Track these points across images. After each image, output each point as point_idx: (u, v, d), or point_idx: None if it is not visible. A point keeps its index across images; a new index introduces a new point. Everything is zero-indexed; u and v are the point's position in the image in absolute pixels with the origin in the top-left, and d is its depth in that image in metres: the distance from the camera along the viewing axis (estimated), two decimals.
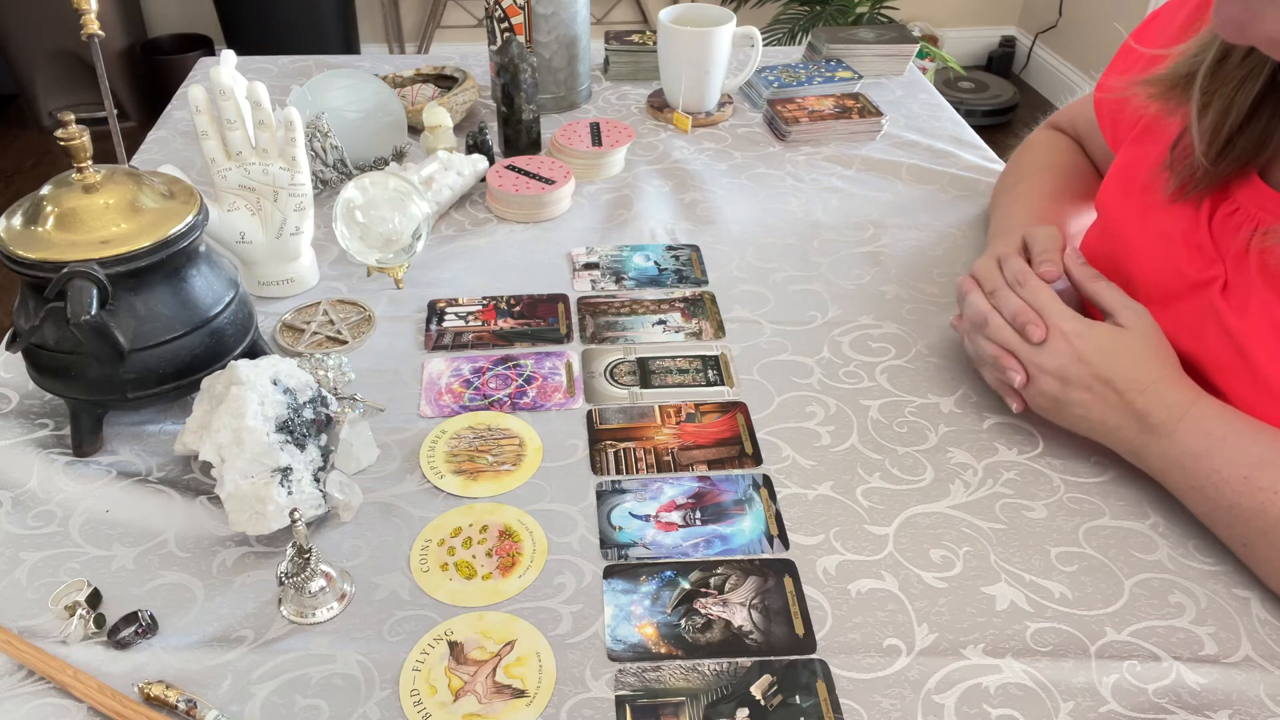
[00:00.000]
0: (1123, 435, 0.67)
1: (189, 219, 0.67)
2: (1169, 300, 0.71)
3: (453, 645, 0.58)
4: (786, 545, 0.65)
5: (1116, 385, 0.66)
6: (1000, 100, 3.10)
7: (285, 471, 0.62)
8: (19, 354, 0.73)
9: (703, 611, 0.60)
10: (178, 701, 0.53)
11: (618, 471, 0.70)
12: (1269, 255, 0.64)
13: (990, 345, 0.72)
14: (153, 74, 2.92)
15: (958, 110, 1.29)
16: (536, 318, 0.86)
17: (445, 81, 1.24)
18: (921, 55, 2.77)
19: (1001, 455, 0.72)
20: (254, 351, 0.74)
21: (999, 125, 3.08)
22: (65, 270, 0.61)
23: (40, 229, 0.64)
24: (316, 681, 0.56)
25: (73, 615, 0.57)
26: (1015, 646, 0.58)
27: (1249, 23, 0.54)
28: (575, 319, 0.86)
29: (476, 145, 1.08)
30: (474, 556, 0.64)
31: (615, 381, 0.79)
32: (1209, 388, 0.66)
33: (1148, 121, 0.75)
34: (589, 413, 0.76)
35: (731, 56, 1.21)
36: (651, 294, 0.90)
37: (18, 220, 0.65)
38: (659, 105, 1.24)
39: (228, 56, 0.84)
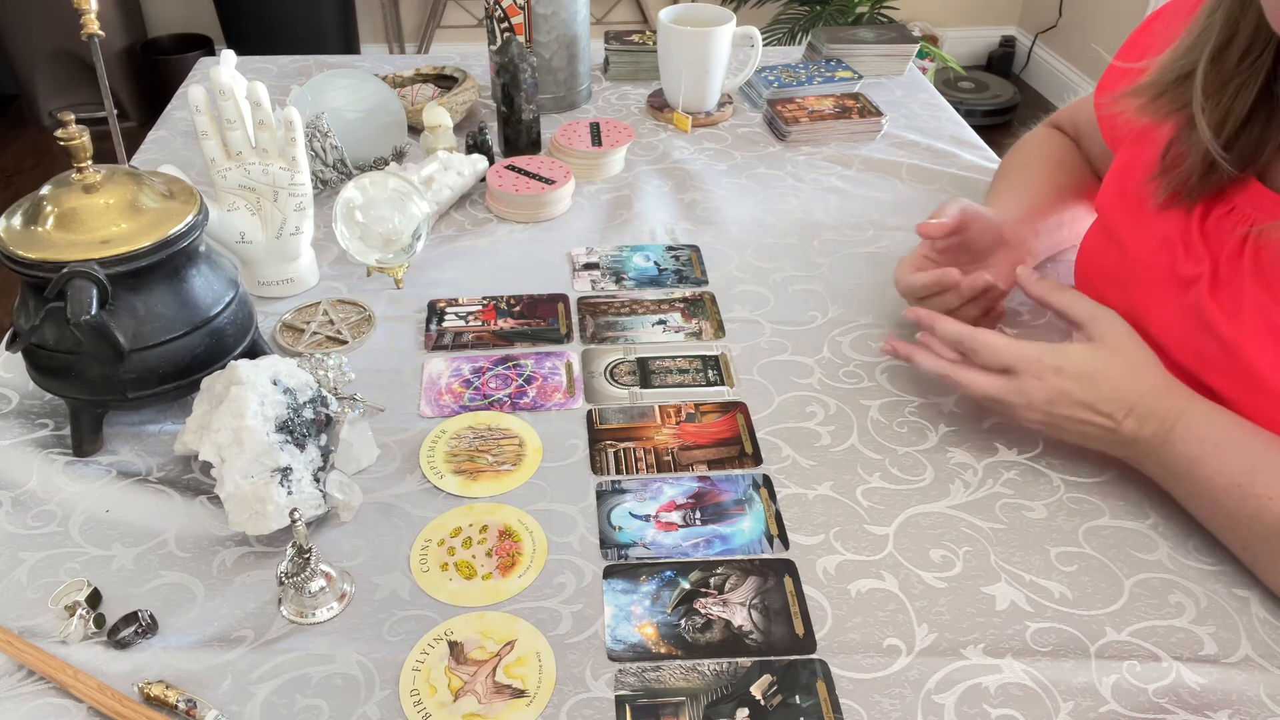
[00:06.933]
0: (1117, 450, 0.67)
1: (189, 219, 0.67)
2: (1165, 301, 0.71)
3: (453, 645, 0.58)
4: (786, 545, 0.65)
5: (1101, 409, 0.65)
6: (1000, 100, 3.10)
7: (285, 471, 0.62)
8: (19, 354, 0.73)
9: (703, 611, 0.60)
10: (178, 701, 0.53)
11: (618, 471, 0.70)
12: (1264, 252, 0.64)
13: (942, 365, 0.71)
14: (153, 74, 2.92)
15: (958, 110, 1.29)
16: (536, 318, 0.86)
17: (445, 81, 1.24)
18: (921, 55, 2.77)
19: (1001, 455, 0.72)
20: (254, 351, 0.74)
21: (999, 125, 3.08)
22: (65, 270, 0.61)
23: (40, 229, 0.64)
24: (316, 681, 0.56)
25: (73, 615, 0.57)
26: (1015, 646, 0.58)
27: None
28: (575, 319, 0.86)
29: (476, 145, 1.08)
30: (474, 556, 0.64)
31: (615, 381, 0.79)
32: (1201, 387, 0.66)
33: (1145, 124, 0.75)
34: (589, 413, 0.76)
35: (731, 56, 1.21)
36: (651, 294, 0.90)
37: (18, 220, 0.65)
38: (659, 105, 1.24)
39: (228, 56, 0.84)
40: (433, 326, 0.85)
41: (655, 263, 0.94)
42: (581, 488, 0.69)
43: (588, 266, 0.94)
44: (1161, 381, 0.65)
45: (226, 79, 0.78)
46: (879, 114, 1.19)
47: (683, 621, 0.60)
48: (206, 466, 0.67)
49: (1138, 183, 0.73)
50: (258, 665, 0.56)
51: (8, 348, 0.67)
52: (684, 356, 0.82)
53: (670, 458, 0.72)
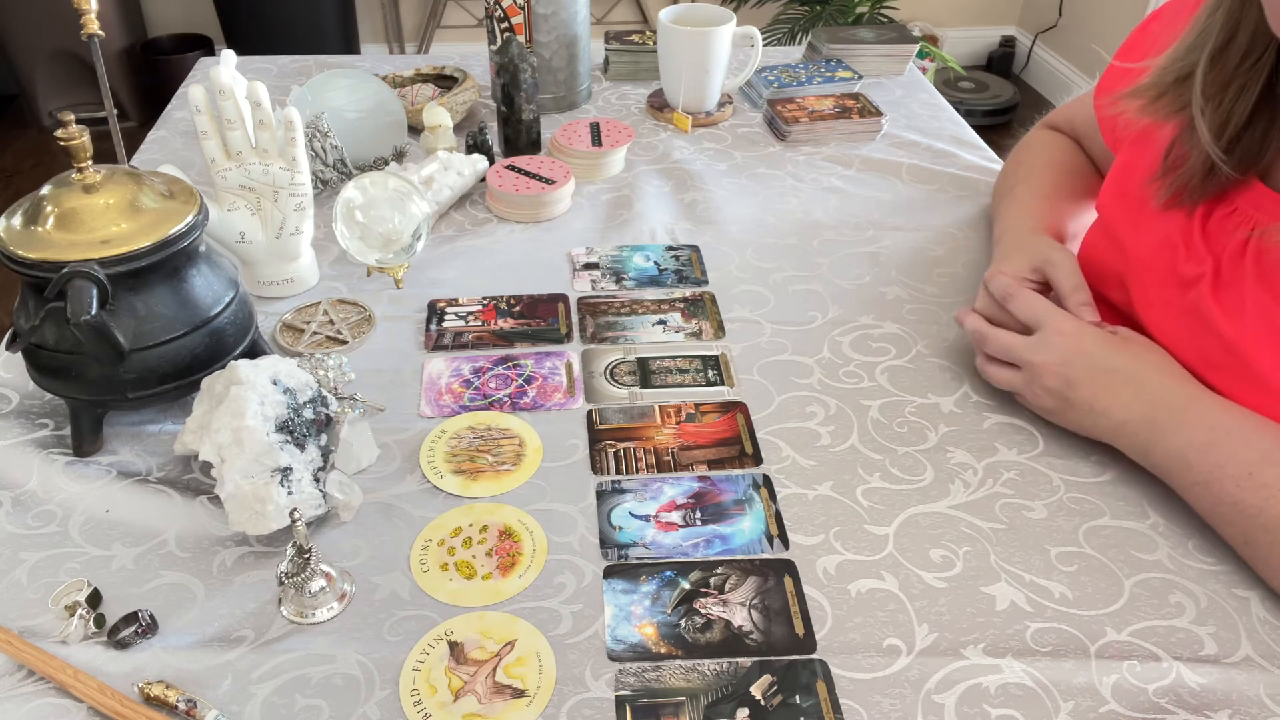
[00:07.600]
0: (1128, 430, 0.67)
1: (189, 219, 0.67)
2: (1166, 301, 0.71)
3: (453, 645, 0.58)
4: (786, 545, 0.65)
5: (1121, 374, 0.67)
6: (1000, 100, 3.10)
7: (285, 471, 0.62)
8: (19, 354, 0.73)
9: (703, 611, 0.60)
10: (178, 701, 0.53)
11: (618, 471, 0.70)
12: (1266, 255, 0.64)
13: (993, 363, 0.75)
14: (153, 74, 2.92)
15: (958, 110, 1.29)
16: (536, 318, 0.86)
17: (445, 81, 1.24)
18: (921, 55, 2.77)
19: (1001, 455, 0.72)
20: (254, 351, 0.74)
21: (999, 125, 3.08)
22: (65, 270, 0.61)
23: (40, 229, 0.64)
24: (316, 681, 0.56)
25: (73, 615, 0.57)
26: (1015, 646, 0.58)
27: None
28: (575, 319, 0.86)
29: (476, 145, 1.08)
30: (474, 556, 0.64)
31: (615, 381, 0.79)
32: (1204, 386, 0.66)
33: (1145, 124, 0.75)
34: (589, 413, 0.76)
35: (731, 56, 1.21)
36: (651, 294, 0.90)
37: (18, 220, 0.65)
38: (659, 105, 1.24)
39: (228, 56, 0.84)
40: (433, 326, 0.85)
41: (655, 263, 0.94)
42: (581, 488, 0.69)
43: (588, 266, 0.94)
44: (1177, 369, 0.67)
45: (226, 79, 0.78)
46: (879, 114, 1.19)
47: (683, 621, 0.60)
48: (206, 466, 0.67)
49: (1138, 183, 0.73)
50: (258, 665, 0.56)
51: (8, 348, 0.67)
52: (684, 356, 0.82)
53: (670, 458, 0.72)
